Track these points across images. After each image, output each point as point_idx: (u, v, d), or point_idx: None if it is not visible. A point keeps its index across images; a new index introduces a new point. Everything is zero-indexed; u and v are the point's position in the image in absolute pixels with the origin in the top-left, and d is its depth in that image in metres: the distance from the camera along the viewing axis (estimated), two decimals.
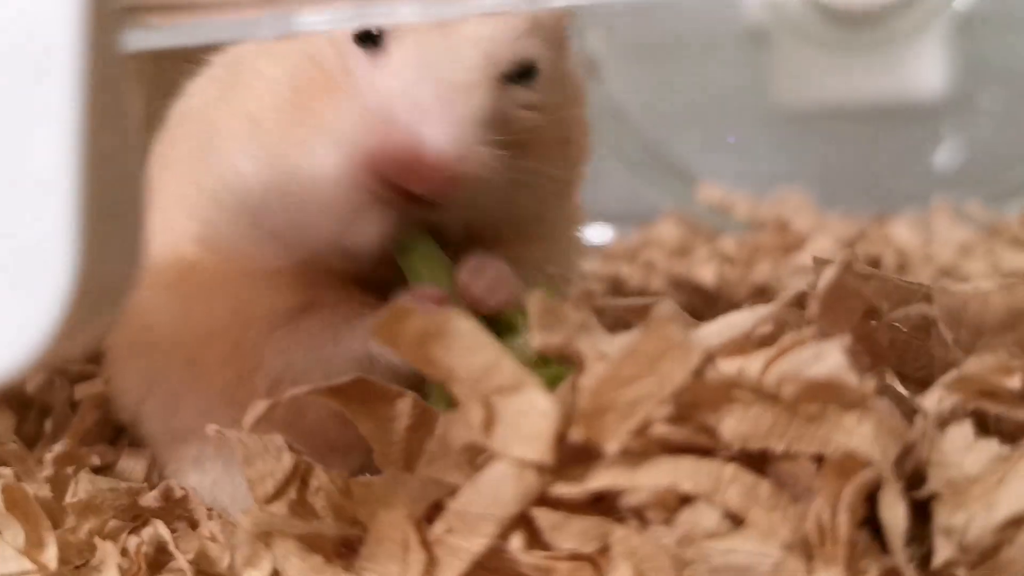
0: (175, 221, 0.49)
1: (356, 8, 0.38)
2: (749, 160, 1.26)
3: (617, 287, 0.86)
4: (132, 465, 0.54)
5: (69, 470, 0.50)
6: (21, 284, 0.25)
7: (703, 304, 0.80)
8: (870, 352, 0.39)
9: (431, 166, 0.42)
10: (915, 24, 1.23)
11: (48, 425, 0.57)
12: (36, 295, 0.25)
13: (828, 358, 0.32)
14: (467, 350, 0.34)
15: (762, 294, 0.77)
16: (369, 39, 0.45)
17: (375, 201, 0.43)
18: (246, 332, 0.48)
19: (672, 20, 1.21)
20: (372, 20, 0.43)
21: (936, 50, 1.25)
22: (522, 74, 0.47)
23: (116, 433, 0.58)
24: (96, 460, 0.53)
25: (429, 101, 0.43)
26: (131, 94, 0.26)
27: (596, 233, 1.12)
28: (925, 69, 1.25)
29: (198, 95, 0.52)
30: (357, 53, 0.45)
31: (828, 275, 0.34)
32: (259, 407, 0.38)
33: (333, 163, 0.43)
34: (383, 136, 0.42)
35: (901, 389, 0.40)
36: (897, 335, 0.40)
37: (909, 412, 0.37)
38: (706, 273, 0.86)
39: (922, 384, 0.38)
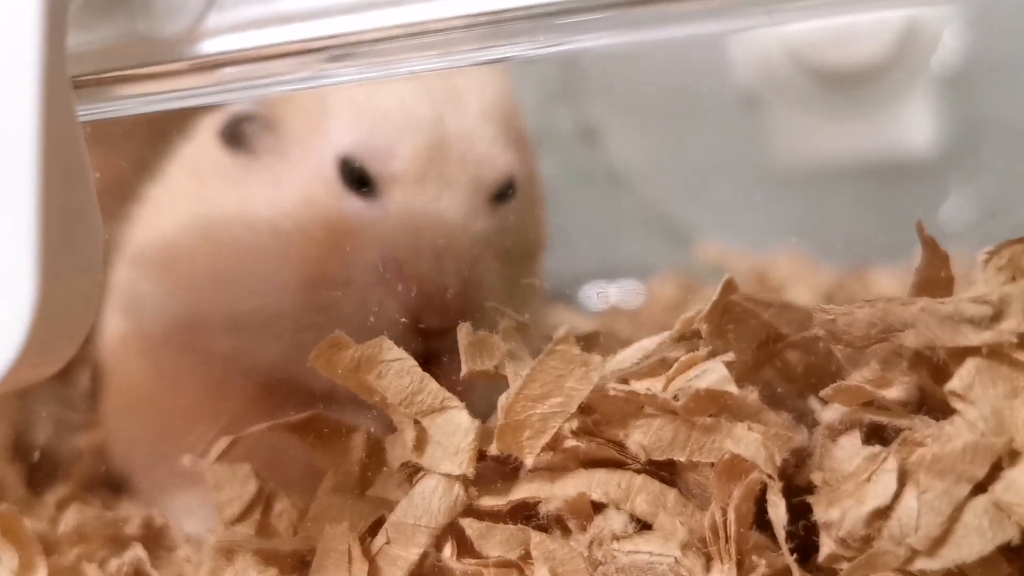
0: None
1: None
2: (749, 220, 1.30)
3: None
4: (131, 510, 0.59)
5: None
6: None
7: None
8: (781, 373, 0.43)
9: (451, 305, 0.47)
10: (903, 81, 1.27)
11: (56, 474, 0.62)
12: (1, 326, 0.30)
13: (713, 372, 0.35)
14: (396, 375, 0.38)
15: None
16: (362, 183, 0.49)
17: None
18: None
19: (666, 83, 1.26)
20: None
21: (927, 105, 1.29)
22: (505, 191, 0.51)
23: (119, 480, 0.63)
24: (97, 504, 0.57)
25: (438, 241, 0.47)
26: (85, 156, 0.31)
27: (593, 292, 1.16)
28: (916, 124, 1.29)
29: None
30: (351, 197, 0.49)
31: (712, 299, 0.37)
32: (223, 442, 0.43)
33: (352, 303, 0.47)
34: (405, 282, 0.47)
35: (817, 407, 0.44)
36: (811, 358, 0.43)
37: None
38: None
39: None
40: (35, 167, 0.29)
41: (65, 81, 0.29)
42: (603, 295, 1.21)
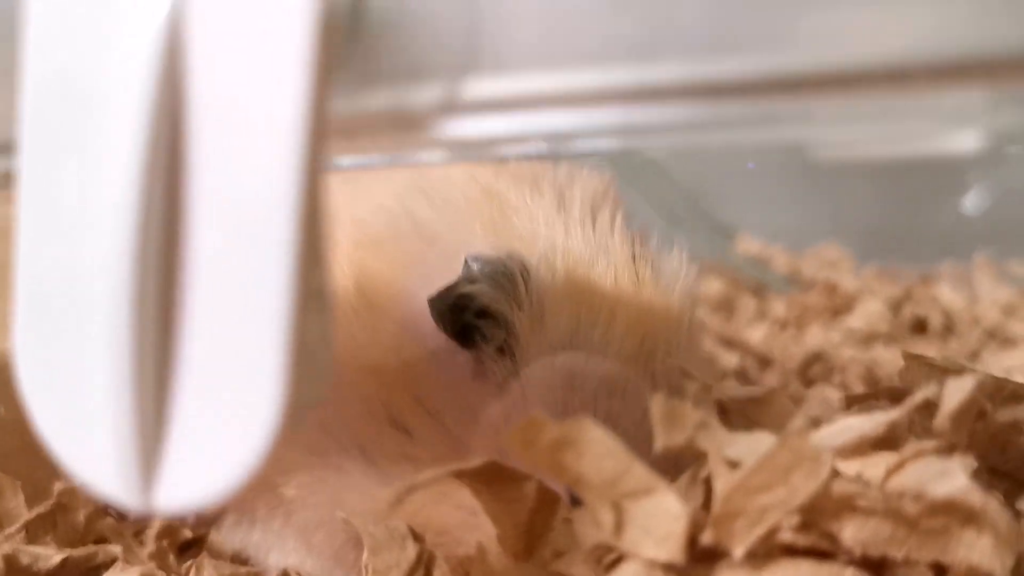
0: None
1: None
2: (787, 214, 1.28)
3: None
4: (220, 539, 0.56)
5: (164, 543, 0.52)
6: (239, 412, 0.26)
7: (756, 366, 0.82)
8: (976, 453, 0.41)
9: None
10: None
11: None
12: (251, 421, 0.27)
13: (954, 478, 0.33)
14: (598, 457, 0.35)
15: (819, 360, 0.78)
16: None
17: None
18: None
19: None
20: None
21: (967, 101, 1.27)
22: None
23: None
24: (188, 534, 0.55)
25: None
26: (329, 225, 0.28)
27: None
28: (959, 122, 1.27)
29: None
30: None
31: (960, 394, 0.35)
32: (397, 490, 0.40)
33: None
34: None
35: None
36: (998, 431, 0.41)
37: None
38: (756, 334, 0.87)
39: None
40: (294, 238, 0.26)
41: (323, 154, 0.26)
42: None
